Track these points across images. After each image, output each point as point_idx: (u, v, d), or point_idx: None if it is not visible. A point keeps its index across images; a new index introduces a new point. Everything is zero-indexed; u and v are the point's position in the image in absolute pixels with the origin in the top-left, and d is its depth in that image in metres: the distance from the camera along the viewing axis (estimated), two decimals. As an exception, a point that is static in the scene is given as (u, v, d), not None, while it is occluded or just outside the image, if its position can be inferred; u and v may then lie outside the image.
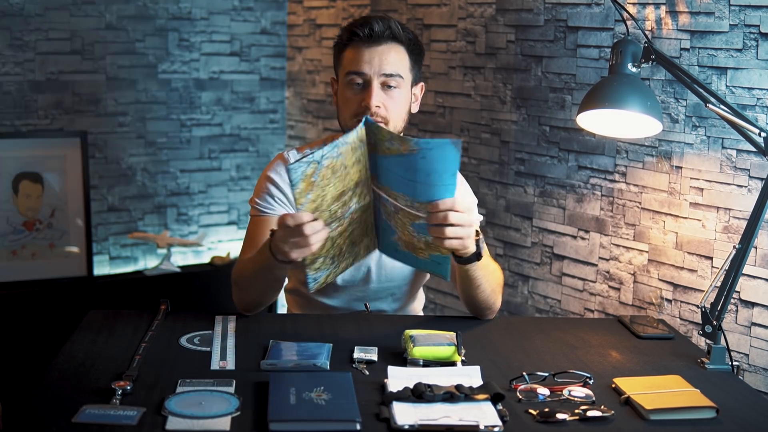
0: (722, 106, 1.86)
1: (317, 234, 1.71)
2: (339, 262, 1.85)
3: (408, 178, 1.69)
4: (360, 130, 1.70)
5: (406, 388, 1.54)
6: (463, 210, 1.71)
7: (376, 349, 1.77)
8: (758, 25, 1.99)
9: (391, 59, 1.96)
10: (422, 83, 2.08)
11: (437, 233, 1.71)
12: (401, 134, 1.98)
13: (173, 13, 3.36)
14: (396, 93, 1.98)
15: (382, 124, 1.95)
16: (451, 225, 1.70)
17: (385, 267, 2.07)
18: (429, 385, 1.54)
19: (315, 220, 1.71)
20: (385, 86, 1.97)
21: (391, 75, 1.96)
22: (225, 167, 3.58)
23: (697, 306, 2.13)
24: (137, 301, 3.05)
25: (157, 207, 3.44)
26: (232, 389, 1.56)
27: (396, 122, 1.99)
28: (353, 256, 1.87)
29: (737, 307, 2.06)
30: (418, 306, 2.22)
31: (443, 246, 1.74)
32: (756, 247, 2.01)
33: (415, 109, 2.06)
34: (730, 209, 2.07)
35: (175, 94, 3.41)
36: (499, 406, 1.52)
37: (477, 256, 1.83)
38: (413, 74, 2.02)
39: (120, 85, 3.28)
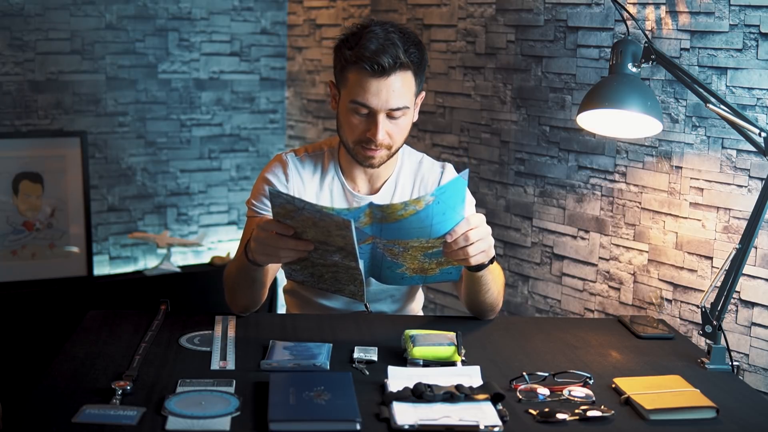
0: (722, 106, 1.86)
1: (288, 249, 1.73)
2: (318, 281, 1.87)
3: (422, 225, 1.68)
4: (345, 220, 1.64)
5: (406, 388, 1.54)
6: (477, 224, 1.72)
7: (376, 349, 1.77)
8: (758, 25, 1.99)
9: (397, 91, 1.91)
10: (423, 92, 2.04)
11: (462, 255, 1.72)
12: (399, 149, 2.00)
13: (173, 13, 3.36)
14: (401, 120, 1.95)
15: (385, 151, 1.96)
16: (472, 243, 1.71)
17: None
18: (429, 385, 1.54)
19: (293, 235, 1.72)
20: (391, 117, 1.94)
21: (398, 109, 1.92)
22: (225, 167, 3.58)
23: (697, 306, 2.13)
24: (137, 301, 3.05)
25: (157, 207, 3.44)
26: (232, 389, 1.56)
27: (399, 145, 2.00)
28: (336, 288, 1.88)
29: (737, 307, 2.06)
30: (417, 306, 2.22)
31: (470, 264, 1.75)
32: (756, 247, 2.01)
33: (415, 117, 2.04)
34: (730, 209, 2.07)
35: (175, 94, 3.41)
36: (499, 406, 1.52)
37: (491, 259, 1.84)
38: (417, 92, 1.98)
39: (120, 85, 3.28)
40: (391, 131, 1.95)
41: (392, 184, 2.09)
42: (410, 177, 2.11)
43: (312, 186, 2.07)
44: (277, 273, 2.15)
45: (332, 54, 2.01)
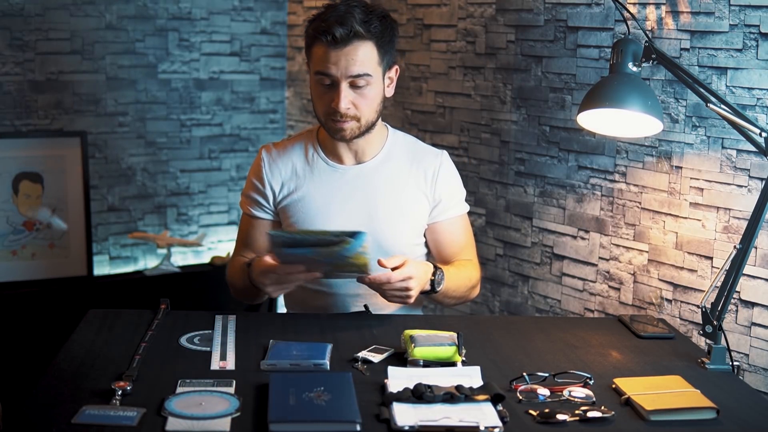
0: (723, 106, 1.86)
1: (300, 280, 1.89)
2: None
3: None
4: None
5: (406, 389, 1.54)
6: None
7: (391, 350, 1.79)
8: (758, 25, 1.99)
9: (357, 60, 1.96)
10: (396, 66, 2.09)
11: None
12: (374, 123, 2.05)
13: (173, 13, 3.36)
14: (366, 90, 1.99)
15: (354, 122, 2.01)
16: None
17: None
18: (429, 386, 1.54)
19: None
20: (355, 86, 1.98)
21: (358, 75, 1.97)
22: (225, 167, 3.58)
23: (698, 306, 2.13)
24: (137, 301, 3.03)
25: (157, 207, 3.43)
26: (232, 390, 1.56)
27: (368, 117, 2.03)
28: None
29: (737, 307, 2.06)
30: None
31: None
32: (756, 247, 2.01)
33: (389, 93, 2.08)
34: (730, 209, 2.07)
35: (175, 94, 3.41)
36: (500, 407, 1.52)
37: (432, 291, 2.00)
38: (384, 65, 2.02)
39: (120, 85, 3.28)
40: (356, 101, 1.99)
41: (383, 158, 2.13)
42: (405, 156, 2.15)
43: (294, 166, 2.13)
44: None
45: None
